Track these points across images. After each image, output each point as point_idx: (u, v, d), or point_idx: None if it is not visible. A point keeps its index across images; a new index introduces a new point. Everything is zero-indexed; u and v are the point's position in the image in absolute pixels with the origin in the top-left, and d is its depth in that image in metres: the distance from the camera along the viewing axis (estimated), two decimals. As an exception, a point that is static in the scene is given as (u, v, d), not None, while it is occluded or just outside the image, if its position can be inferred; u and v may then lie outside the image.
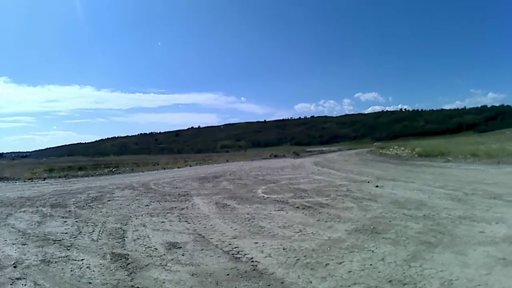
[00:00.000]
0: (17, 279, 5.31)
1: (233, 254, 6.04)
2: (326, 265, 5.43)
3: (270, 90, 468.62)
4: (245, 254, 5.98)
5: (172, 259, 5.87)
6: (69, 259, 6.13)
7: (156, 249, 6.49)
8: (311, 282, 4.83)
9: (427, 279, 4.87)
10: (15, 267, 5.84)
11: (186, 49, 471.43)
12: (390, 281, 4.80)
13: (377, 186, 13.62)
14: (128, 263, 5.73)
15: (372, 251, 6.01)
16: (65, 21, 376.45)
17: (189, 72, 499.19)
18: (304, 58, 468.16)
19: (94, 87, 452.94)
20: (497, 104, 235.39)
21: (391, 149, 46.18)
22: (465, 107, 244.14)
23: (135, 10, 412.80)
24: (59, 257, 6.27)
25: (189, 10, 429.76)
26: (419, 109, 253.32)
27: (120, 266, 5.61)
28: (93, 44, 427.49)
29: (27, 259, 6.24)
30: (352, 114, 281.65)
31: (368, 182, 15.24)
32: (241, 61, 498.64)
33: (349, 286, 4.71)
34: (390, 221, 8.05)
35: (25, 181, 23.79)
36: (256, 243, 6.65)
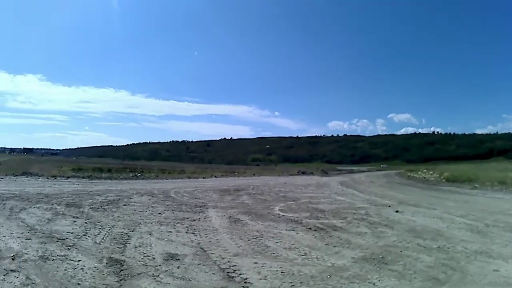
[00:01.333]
0: (12, 271, 5.42)
1: (228, 272, 5.90)
2: None
3: (304, 106, 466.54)
4: (240, 274, 5.83)
5: (166, 271, 5.79)
6: (66, 258, 6.19)
7: (154, 258, 6.44)
8: None
9: None
10: (13, 259, 5.97)
11: (222, 60, 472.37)
12: None
13: (397, 211, 13.36)
14: (122, 270, 5.70)
15: (374, 284, 5.74)
16: (103, 23, 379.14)
17: (224, 83, 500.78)
18: (339, 75, 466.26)
19: (128, 92, 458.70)
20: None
21: (420, 173, 46.10)
22: (497, 132, 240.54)
23: (174, 16, 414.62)
24: (57, 255, 6.35)
25: (227, 20, 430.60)
26: (451, 133, 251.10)
27: (113, 272, 5.58)
28: (130, 48, 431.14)
29: (26, 253, 6.37)
30: (385, 135, 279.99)
31: (389, 206, 14.98)
32: (277, 75, 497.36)
33: None
34: (401, 251, 7.78)
35: (48, 178, 24.49)
36: (256, 263, 6.50)
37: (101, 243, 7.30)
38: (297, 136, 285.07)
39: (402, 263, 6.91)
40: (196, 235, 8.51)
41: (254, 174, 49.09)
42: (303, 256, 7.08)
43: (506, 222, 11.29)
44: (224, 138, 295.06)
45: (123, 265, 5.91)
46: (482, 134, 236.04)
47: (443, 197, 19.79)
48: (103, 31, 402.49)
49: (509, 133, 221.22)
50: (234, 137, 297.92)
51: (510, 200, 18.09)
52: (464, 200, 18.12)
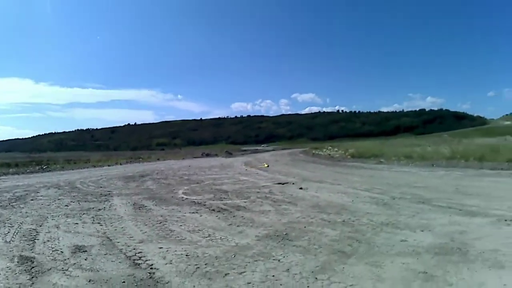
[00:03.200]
0: None
1: (134, 260, 5.99)
2: (226, 275, 5.28)
3: (207, 89, 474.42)
4: (146, 260, 5.93)
5: (74, 264, 5.83)
6: (-21, 262, 6.02)
7: (62, 252, 6.45)
8: None
9: None
10: None
11: (125, 44, 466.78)
12: None
13: (301, 188, 13.68)
14: (33, 267, 5.69)
15: (279, 261, 5.82)
16: (3, 10, 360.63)
17: (127, 67, 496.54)
18: (242, 57, 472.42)
19: (33, 80, 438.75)
20: (435, 108, 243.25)
21: (325, 150, 47.06)
22: (403, 110, 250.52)
23: (75, 1, 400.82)
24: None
25: (128, 4, 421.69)
26: (356, 111, 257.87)
27: (25, 270, 5.57)
28: (33, 34, 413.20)
29: None
30: (289, 114, 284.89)
31: (293, 183, 15.31)
32: (179, 58, 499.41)
33: None
34: (305, 227, 7.93)
35: None
36: (161, 248, 6.62)
37: (11, 242, 7.22)
38: (201, 119, 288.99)
39: (306, 238, 7.06)
40: (101, 225, 8.57)
41: (158, 159, 48.69)
42: (207, 238, 7.26)
43: (413, 194, 11.68)
44: (128, 124, 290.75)
45: (33, 262, 5.91)
46: (387, 112, 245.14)
47: (348, 173, 20.39)
48: (3, 18, 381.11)
49: (415, 110, 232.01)
50: (138, 122, 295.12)
51: (416, 173, 18.80)
52: (370, 175, 18.74)
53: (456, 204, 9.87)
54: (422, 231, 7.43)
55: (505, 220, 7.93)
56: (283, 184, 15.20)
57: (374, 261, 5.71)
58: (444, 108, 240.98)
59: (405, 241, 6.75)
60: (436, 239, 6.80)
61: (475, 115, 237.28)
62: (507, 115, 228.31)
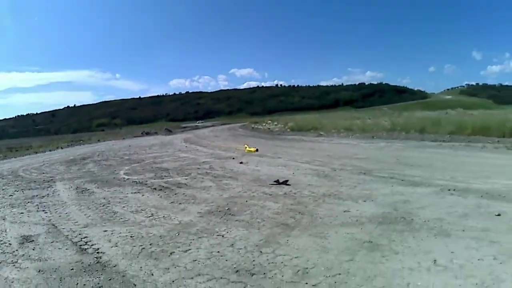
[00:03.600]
0: None
1: (80, 245, 6.04)
2: (171, 253, 5.40)
3: (145, 67, 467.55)
4: (92, 245, 6.00)
5: (23, 255, 5.85)
6: None
7: (10, 244, 6.44)
8: (152, 274, 4.80)
9: (279, 267, 4.73)
10: None
11: (60, 24, 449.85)
12: (237, 271, 4.71)
13: (241, 163, 13.94)
14: None
15: (222, 236, 5.97)
16: None
17: (64, 48, 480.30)
18: (178, 33, 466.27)
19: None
20: (375, 82, 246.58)
21: (264, 124, 46.79)
22: (342, 84, 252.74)
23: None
24: None
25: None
26: (296, 85, 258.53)
27: None
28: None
29: None
30: (227, 90, 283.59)
31: (233, 158, 15.58)
32: (116, 37, 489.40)
33: (192, 278, 4.62)
34: (247, 201, 8.10)
35: None
36: (106, 231, 6.70)
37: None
38: (140, 97, 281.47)
39: (249, 212, 7.24)
40: (46, 212, 8.54)
41: (99, 140, 47.38)
42: (151, 217, 7.39)
43: (354, 165, 11.88)
44: (68, 106, 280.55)
45: (-15, 257, 5.87)
46: (327, 86, 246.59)
47: (288, 146, 20.60)
48: None
49: (354, 84, 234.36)
50: (78, 104, 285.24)
51: (356, 145, 18.97)
52: (310, 148, 18.96)
53: (398, 175, 10.12)
54: (365, 201, 7.63)
55: (449, 190, 8.19)
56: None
57: (318, 232, 5.89)
58: (384, 82, 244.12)
59: (348, 211, 6.92)
60: (379, 209, 7.00)
61: (415, 89, 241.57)
62: (448, 89, 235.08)
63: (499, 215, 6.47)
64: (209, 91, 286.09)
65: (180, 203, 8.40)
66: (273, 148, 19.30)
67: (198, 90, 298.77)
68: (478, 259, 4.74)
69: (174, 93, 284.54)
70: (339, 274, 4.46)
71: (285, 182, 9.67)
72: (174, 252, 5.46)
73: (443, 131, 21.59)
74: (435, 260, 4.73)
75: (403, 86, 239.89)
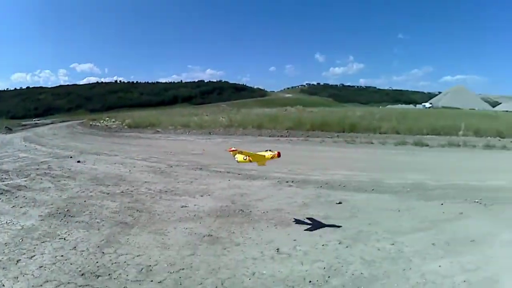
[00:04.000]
0: None
1: None
2: (18, 261, 5.19)
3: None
4: None
5: None
6: None
7: None
8: (3, 285, 4.57)
9: (122, 267, 4.77)
10: None
11: None
12: (82, 274, 4.66)
13: (78, 162, 13.77)
14: None
15: (64, 239, 5.89)
16: None
17: None
18: (19, 24, 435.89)
19: None
20: (214, 80, 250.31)
21: (102, 121, 45.63)
22: (181, 81, 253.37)
23: None
24: None
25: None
26: (134, 81, 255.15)
27: None
28: None
29: None
30: (67, 85, 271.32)
31: (71, 157, 15.29)
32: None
33: (40, 285, 4.48)
34: (85, 201, 8.05)
35: None
36: None
37: None
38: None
39: (88, 212, 7.24)
40: None
41: None
42: None
43: (190, 161, 12.32)
44: None
45: None
46: (166, 83, 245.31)
47: (125, 143, 20.87)
48: None
49: (194, 81, 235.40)
50: None
51: (193, 141, 19.97)
52: (147, 144, 19.43)
53: (234, 169, 10.56)
54: (202, 196, 7.97)
55: (286, 182, 8.74)
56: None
57: (157, 229, 6.07)
58: (223, 80, 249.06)
59: (185, 207, 7.20)
60: (217, 203, 7.32)
61: (255, 87, 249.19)
62: (288, 88, 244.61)
63: (340, 203, 7.16)
64: (49, 86, 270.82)
65: (21, 207, 8.02)
66: (110, 146, 19.29)
67: (39, 85, 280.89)
68: (323, 245, 5.16)
69: (15, 88, 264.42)
70: (183, 269, 4.63)
71: None
72: (20, 259, 5.25)
73: (281, 126, 23.04)
74: (278, 249, 5.06)
75: (243, 84, 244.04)
